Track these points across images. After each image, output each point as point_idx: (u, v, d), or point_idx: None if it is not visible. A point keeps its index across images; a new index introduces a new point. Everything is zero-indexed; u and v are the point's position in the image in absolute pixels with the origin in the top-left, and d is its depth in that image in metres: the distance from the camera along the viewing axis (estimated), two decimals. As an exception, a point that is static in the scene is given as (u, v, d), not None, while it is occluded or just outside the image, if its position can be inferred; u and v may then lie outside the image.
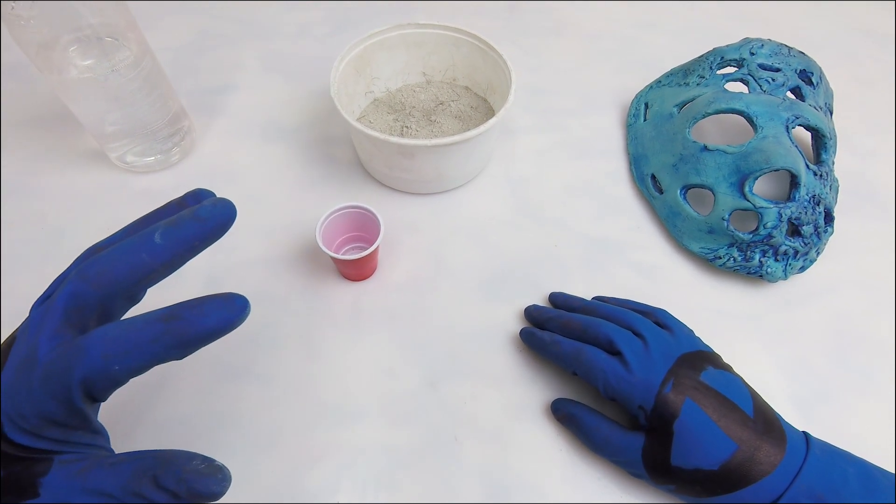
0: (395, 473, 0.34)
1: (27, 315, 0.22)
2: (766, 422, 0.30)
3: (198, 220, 0.21)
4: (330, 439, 0.35)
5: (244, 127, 0.52)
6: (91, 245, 0.26)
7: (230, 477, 0.21)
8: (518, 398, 0.37)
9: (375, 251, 0.39)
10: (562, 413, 0.36)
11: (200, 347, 0.21)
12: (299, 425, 0.36)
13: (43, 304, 0.22)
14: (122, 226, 0.25)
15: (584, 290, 0.42)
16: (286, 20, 0.63)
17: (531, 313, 0.40)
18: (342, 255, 0.40)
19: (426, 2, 0.67)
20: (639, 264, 0.44)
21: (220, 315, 0.20)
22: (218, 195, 0.24)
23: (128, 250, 0.21)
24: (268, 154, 0.50)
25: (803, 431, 0.31)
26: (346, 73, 0.46)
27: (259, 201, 0.46)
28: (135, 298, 0.23)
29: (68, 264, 0.42)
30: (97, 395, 0.21)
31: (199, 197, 0.24)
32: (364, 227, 0.41)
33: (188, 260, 0.22)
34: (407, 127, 0.49)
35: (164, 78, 0.44)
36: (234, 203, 0.23)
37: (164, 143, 0.46)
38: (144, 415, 0.36)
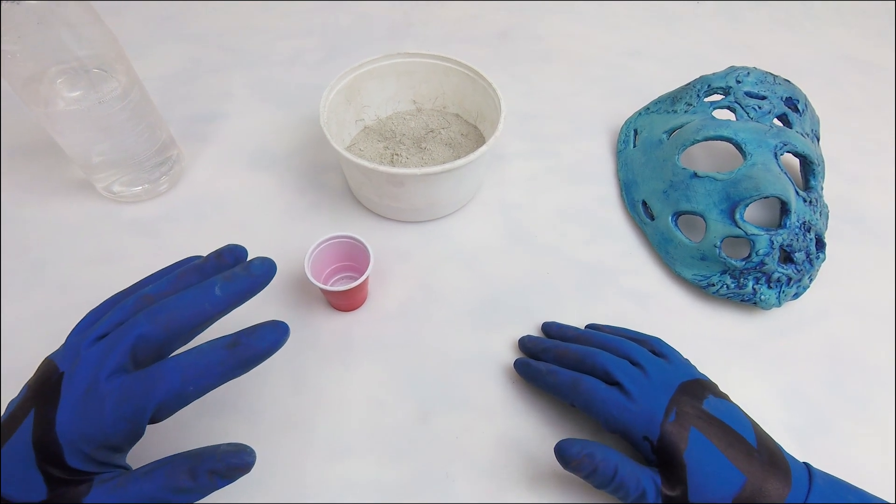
0: (385, 512, 0.33)
1: (63, 352, 0.26)
2: (769, 453, 0.30)
3: (250, 276, 0.26)
4: (318, 475, 0.34)
5: (234, 154, 0.52)
6: (127, 287, 0.29)
7: (254, 452, 0.24)
8: (511, 431, 0.37)
9: (365, 282, 0.38)
10: (581, 456, 0.30)
11: (257, 365, 0.25)
12: (287, 461, 0.35)
13: (97, 342, 0.25)
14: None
15: (578, 317, 0.42)
16: (277, 48, 0.64)
17: (526, 344, 0.39)
18: (331, 286, 0.39)
19: (417, 29, 0.68)
20: (632, 291, 0.44)
21: (271, 338, 0.25)
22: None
23: (192, 300, 0.25)
24: (257, 182, 0.50)
25: (804, 462, 0.31)
26: (336, 102, 0.46)
27: (248, 230, 0.46)
28: (188, 340, 0.27)
29: (52, 295, 0.41)
30: (162, 416, 0.24)
31: (234, 252, 0.28)
32: (354, 256, 0.40)
33: (236, 308, 0.26)
34: (397, 154, 0.49)
35: (152, 108, 0.44)
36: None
37: (151, 172, 0.45)
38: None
